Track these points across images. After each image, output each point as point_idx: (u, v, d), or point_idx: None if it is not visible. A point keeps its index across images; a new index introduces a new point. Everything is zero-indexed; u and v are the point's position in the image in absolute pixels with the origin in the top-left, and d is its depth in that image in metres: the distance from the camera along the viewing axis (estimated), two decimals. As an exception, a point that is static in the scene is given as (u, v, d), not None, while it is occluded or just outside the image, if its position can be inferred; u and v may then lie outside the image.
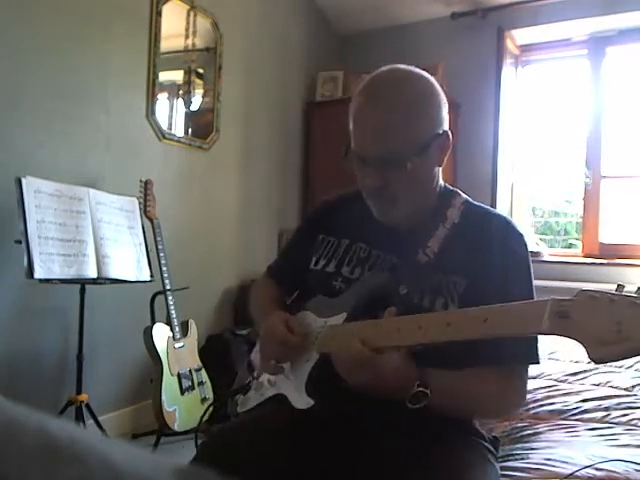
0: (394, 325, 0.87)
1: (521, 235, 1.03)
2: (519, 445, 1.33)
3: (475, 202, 1.10)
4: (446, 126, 1.01)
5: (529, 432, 1.40)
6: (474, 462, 0.90)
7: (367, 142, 0.98)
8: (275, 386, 1.05)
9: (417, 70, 1.01)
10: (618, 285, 0.68)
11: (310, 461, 0.94)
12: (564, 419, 1.47)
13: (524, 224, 3.70)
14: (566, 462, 1.14)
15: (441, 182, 1.08)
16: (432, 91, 0.99)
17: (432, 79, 1.01)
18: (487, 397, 0.95)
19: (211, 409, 1.25)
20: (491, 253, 0.98)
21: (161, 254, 2.38)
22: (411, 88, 0.98)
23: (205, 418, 1.31)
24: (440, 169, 1.06)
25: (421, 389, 0.86)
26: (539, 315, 0.70)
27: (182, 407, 2.31)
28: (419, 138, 0.96)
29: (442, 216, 1.05)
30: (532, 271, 1.00)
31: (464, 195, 1.11)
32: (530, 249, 1.04)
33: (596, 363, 0.68)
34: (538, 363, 0.97)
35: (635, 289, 0.65)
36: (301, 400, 0.95)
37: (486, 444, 0.99)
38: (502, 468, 1.14)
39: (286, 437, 0.96)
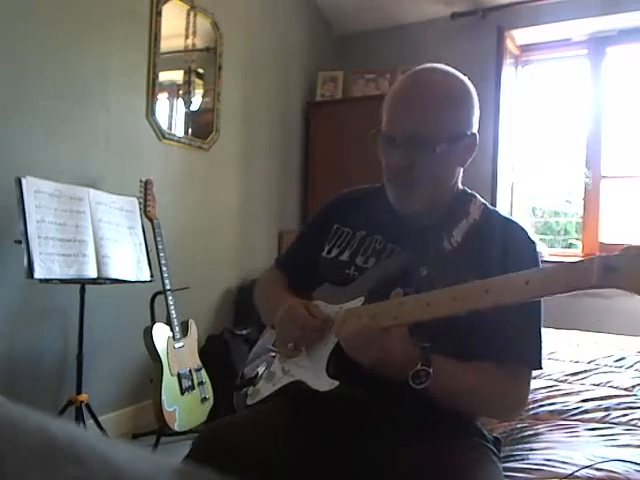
0: (423, 300, 0.87)
1: (537, 247, 1.06)
2: (519, 445, 1.33)
3: (492, 207, 1.13)
4: (476, 129, 1.06)
5: (529, 432, 1.40)
6: (478, 461, 0.90)
7: (401, 119, 1.01)
8: (289, 374, 1.04)
9: (459, 73, 1.06)
10: None
11: (307, 458, 0.93)
12: (564, 419, 1.47)
13: (524, 224, 3.70)
14: (566, 462, 1.14)
15: (460, 184, 1.11)
16: (471, 94, 1.04)
17: (472, 86, 1.06)
18: (489, 392, 0.96)
19: (211, 408, 1.24)
20: (509, 261, 0.98)
21: (161, 254, 2.37)
22: (454, 82, 1.03)
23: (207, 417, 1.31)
24: (462, 170, 1.09)
25: (424, 367, 0.87)
26: (587, 271, 0.71)
27: (182, 407, 2.31)
28: (452, 127, 1.00)
29: (465, 211, 1.08)
30: None
31: (481, 199, 1.13)
32: (540, 257, 1.06)
33: None
34: (540, 369, 0.99)
35: None
36: (323, 383, 0.95)
37: (489, 445, 0.99)
38: (503, 469, 1.14)
39: (283, 433, 0.95)
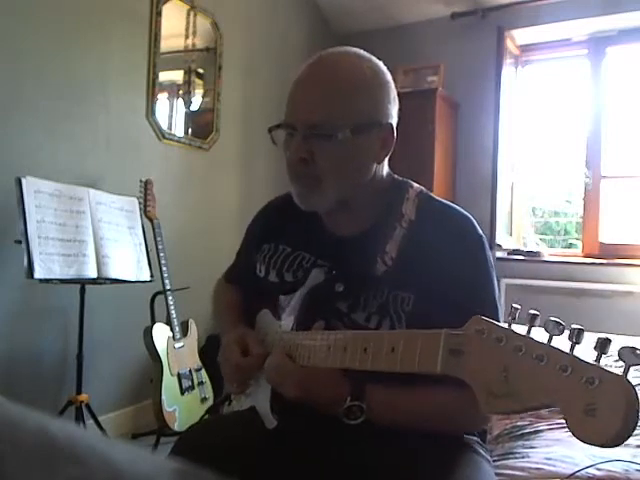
0: (340, 344, 0.80)
1: (482, 238, 0.93)
2: (519, 443, 1.33)
3: (432, 194, 1.00)
4: (393, 122, 0.94)
5: (529, 430, 1.40)
6: (463, 457, 0.86)
7: (301, 106, 0.93)
8: (250, 397, 1.02)
9: (374, 59, 0.96)
10: (530, 315, 0.56)
11: (287, 457, 0.90)
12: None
13: (524, 224, 3.70)
14: (566, 461, 1.14)
15: (385, 171, 0.99)
16: (383, 80, 0.94)
17: (388, 73, 0.95)
18: (446, 409, 0.85)
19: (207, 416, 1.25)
20: (447, 260, 0.88)
21: (161, 254, 2.38)
22: (362, 65, 0.93)
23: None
24: (379, 167, 0.96)
25: (356, 403, 0.80)
26: (434, 352, 0.62)
27: (182, 407, 2.31)
28: (356, 114, 0.90)
29: (397, 214, 0.94)
30: (494, 280, 0.92)
31: (417, 185, 1.00)
32: (488, 252, 0.93)
33: (488, 413, 0.58)
34: None
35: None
36: (268, 418, 0.91)
37: (473, 437, 0.93)
38: (502, 466, 1.14)
39: (265, 435, 0.92)
